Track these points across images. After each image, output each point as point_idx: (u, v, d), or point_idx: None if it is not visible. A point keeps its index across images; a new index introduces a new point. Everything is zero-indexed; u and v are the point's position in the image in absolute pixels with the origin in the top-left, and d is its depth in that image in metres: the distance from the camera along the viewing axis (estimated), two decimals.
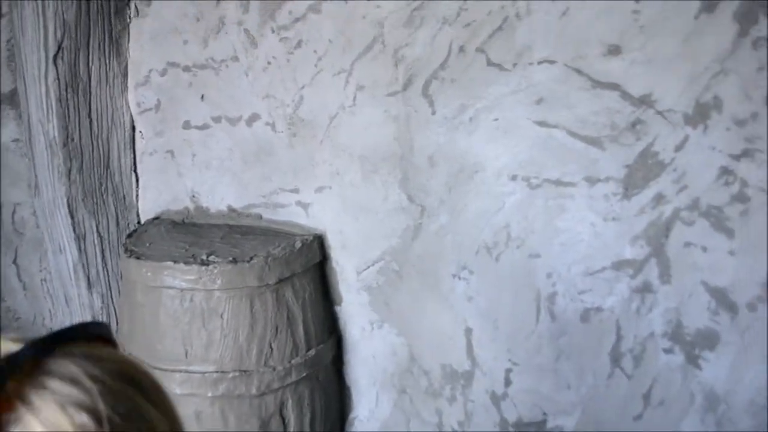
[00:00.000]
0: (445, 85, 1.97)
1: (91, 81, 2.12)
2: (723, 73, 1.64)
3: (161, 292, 2.01)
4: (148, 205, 2.38)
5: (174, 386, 2.00)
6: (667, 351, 1.83)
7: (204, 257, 2.03)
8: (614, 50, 1.75)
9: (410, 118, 2.03)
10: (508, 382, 2.05)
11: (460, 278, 2.06)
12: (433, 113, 2.00)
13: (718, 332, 1.76)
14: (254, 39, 2.13)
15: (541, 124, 1.88)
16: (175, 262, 2.00)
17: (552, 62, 1.84)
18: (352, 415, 2.34)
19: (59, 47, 2.00)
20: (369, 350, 2.25)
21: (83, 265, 2.21)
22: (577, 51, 1.80)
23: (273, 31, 2.10)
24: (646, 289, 1.83)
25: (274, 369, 2.06)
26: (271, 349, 2.07)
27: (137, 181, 2.36)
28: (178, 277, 1.99)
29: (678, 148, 1.73)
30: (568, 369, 1.97)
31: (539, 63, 1.86)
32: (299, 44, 2.09)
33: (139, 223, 2.36)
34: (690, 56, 1.67)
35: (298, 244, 2.12)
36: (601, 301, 1.88)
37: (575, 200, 1.87)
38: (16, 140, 2.38)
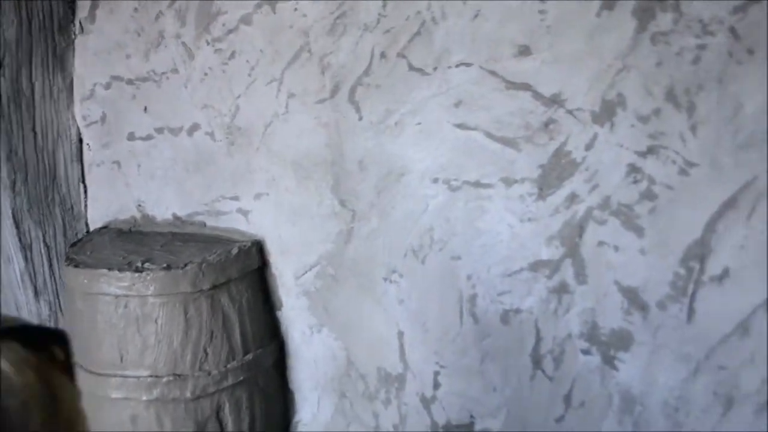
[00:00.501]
0: (370, 91, 2.00)
1: (35, 96, 2.21)
2: (625, 70, 1.64)
3: (98, 298, 2.07)
4: (96, 215, 2.45)
5: (110, 390, 2.06)
6: (585, 352, 1.82)
7: (139, 264, 2.08)
8: (524, 51, 1.77)
9: (339, 124, 2.06)
10: (436, 385, 2.05)
11: (391, 281, 2.08)
12: (360, 119, 2.03)
13: (632, 332, 1.74)
14: (191, 51, 2.19)
15: (461, 126, 1.89)
16: (110, 269, 2.05)
17: (468, 65, 1.86)
18: (295, 419, 2.35)
19: (0, 64, 2.10)
20: (310, 354, 2.28)
21: (30, 274, 2.29)
22: (490, 53, 1.81)
23: (208, 44, 2.17)
24: (562, 289, 1.82)
25: (209, 373, 2.09)
26: (206, 354, 2.10)
27: (86, 191, 2.44)
28: (113, 284, 2.05)
29: (588, 147, 1.73)
30: (493, 371, 1.96)
31: (457, 66, 1.88)
32: (233, 55, 2.14)
33: (87, 232, 2.44)
34: (594, 54, 1.68)
35: (235, 251, 2.16)
36: (520, 303, 1.88)
37: (494, 201, 1.88)
38: None
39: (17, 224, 2.22)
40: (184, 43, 2.19)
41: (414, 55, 1.92)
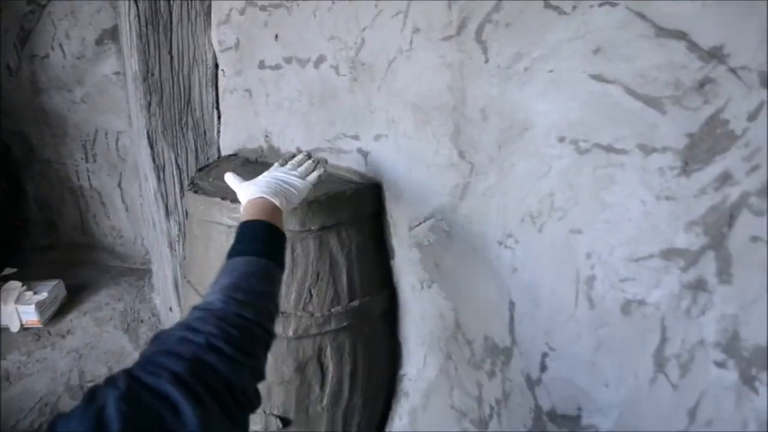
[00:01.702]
0: (499, 30, 1.74)
1: (173, 19, 2.19)
2: None
3: (211, 226, 2.08)
4: (228, 142, 2.45)
5: None
6: (720, 365, 1.50)
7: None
8: None
9: (464, 66, 1.83)
10: (543, 368, 1.83)
11: (506, 246, 1.86)
12: (486, 61, 1.78)
13: None
14: None
15: (597, 78, 1.59)
16: (223, 198, 2.04)
17: (614, 4, 1.53)
18: (401, 372, 2.27)
19: None
20: (418, 309, 2.15)
21: (162, 193, 2.35)
22: None
23: None
24: (699, 286, 1.50)
25: (312, 315, 2.05)
26: (311, 295, 2.06)
27: (219, 117, 2.44)
28: (225, 214, 2.04)
29: (752, 117, 1.36)
30: (607, 365, 1.71)
31: (600, 5, 1.56)
32: None
33: (218, 158, 2.45)
34: None
35: (348, 193, 2.05)
36: (645, 294, 1.59)
37: (626, 171, 1.57)
38: (117, 73, 2.58)
39: (151, 145, 2.28)
40: None
41: None
